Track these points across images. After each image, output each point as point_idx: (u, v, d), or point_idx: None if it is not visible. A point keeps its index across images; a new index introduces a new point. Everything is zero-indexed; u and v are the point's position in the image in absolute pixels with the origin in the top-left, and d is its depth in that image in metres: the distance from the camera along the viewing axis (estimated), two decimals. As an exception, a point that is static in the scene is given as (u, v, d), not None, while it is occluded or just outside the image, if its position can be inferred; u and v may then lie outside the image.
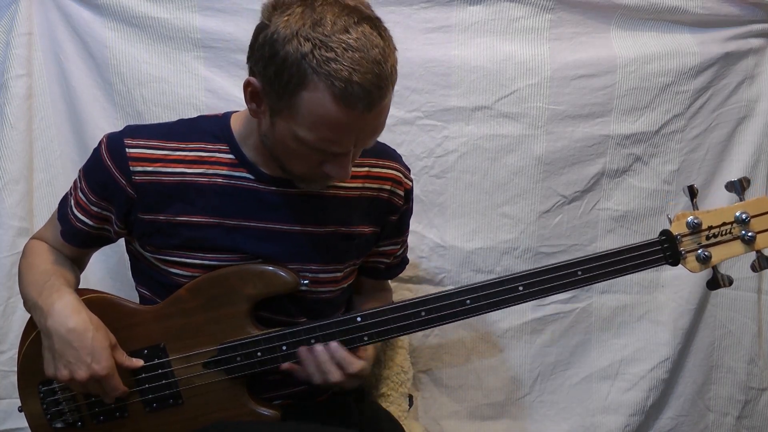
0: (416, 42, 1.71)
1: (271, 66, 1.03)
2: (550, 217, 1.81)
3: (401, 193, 1.33)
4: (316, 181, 1.20)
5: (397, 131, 1.74)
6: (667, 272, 1.86)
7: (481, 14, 1.71)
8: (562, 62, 1.74)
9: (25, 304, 1.27)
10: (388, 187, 1.31)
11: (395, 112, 1.73)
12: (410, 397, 1.59)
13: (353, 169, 1.26)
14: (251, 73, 1.10)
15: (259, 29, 1.06)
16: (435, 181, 1.78)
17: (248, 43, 1.09)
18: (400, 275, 1.49)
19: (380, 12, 1.13)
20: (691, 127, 1.80)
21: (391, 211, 1.33)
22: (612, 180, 1.82)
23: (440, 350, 1.86)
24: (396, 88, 1.68)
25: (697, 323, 1.88)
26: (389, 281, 1.52)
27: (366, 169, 1.29)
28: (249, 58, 1.10)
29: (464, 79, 1.73)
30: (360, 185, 1.29)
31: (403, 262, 1.48)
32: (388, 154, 1.34)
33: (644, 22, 1.76)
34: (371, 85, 1.01)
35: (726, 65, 1.77)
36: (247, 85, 1.10)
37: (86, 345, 1.16)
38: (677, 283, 1.86)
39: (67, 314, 1.17)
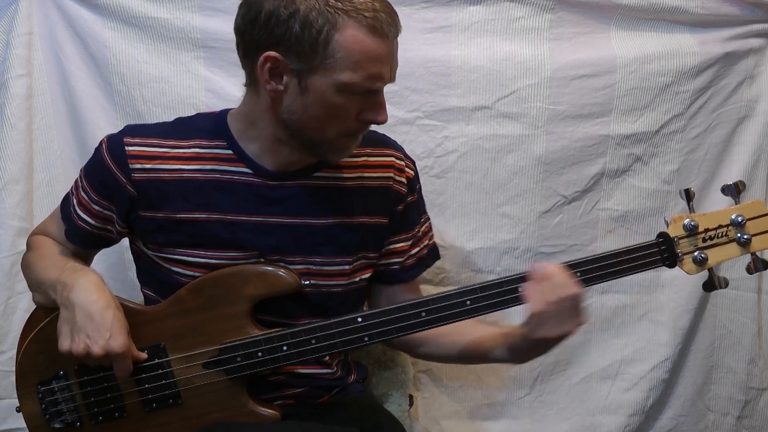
0: (416, 42, 1.70)
1: (294, 25, 1.06)
2: (550, 217, 1.81)
3: (403, 180, 1.33)
4: (350, 139, 1.19)
5: (397, 131, 1.74)
6: (667, 272, 1.86)
7: (481, 14, 1.71)
8: (562, 62, 1.73)
9: (38, 288, 1.27)
10: (390, 175, 1.31)
11: (395, 112, 1.73)
12: (410, 397, 1.59)
13: (350, 159, 1.27)
14: (255, 51, 1.10)
15: (256, 5, 1.08)
16: (435, 181, 1.78)
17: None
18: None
19: (380, 11, 1.14)
20: (691, 127, 1.80)
21: (396, 200, 1.33)
22: (612, 180, 1.82)
23: (440, 350, 1.86)
24: (396, 88, 1.72)
25: (697, 323, 1.88)
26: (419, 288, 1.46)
27: (363, 158, 1.30)
28: (250, 36, 1.10)
29: (464, 79, 1.73)
30: (358, 175, 1.29)
31: (421, 262, 1.41)
32: (386, 143, 1.34)
33: (644, 22, 1.75)
34: (391, 12, 1.12)
35: (726, 65, 1.77)
36: (264, 61, 1.10)
37: (107, 321, 1.16)
38: (677, 283, 1.85)
39: (92, 289, 1.18)
